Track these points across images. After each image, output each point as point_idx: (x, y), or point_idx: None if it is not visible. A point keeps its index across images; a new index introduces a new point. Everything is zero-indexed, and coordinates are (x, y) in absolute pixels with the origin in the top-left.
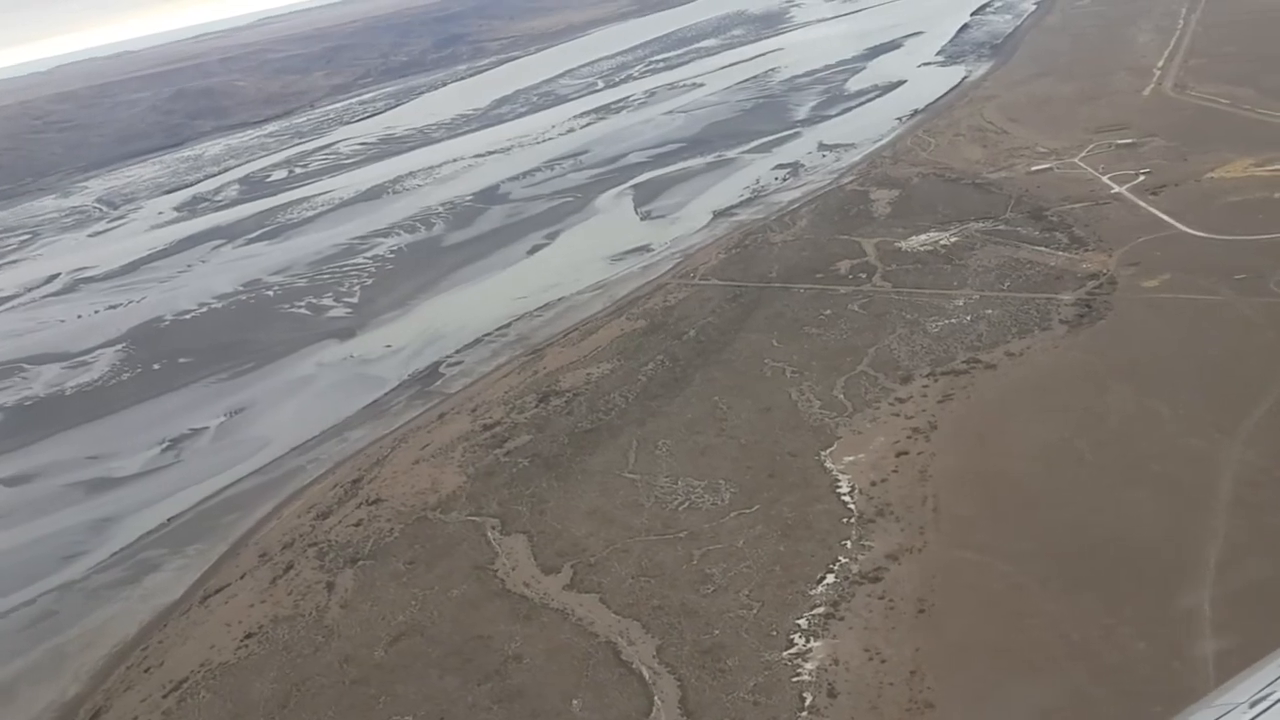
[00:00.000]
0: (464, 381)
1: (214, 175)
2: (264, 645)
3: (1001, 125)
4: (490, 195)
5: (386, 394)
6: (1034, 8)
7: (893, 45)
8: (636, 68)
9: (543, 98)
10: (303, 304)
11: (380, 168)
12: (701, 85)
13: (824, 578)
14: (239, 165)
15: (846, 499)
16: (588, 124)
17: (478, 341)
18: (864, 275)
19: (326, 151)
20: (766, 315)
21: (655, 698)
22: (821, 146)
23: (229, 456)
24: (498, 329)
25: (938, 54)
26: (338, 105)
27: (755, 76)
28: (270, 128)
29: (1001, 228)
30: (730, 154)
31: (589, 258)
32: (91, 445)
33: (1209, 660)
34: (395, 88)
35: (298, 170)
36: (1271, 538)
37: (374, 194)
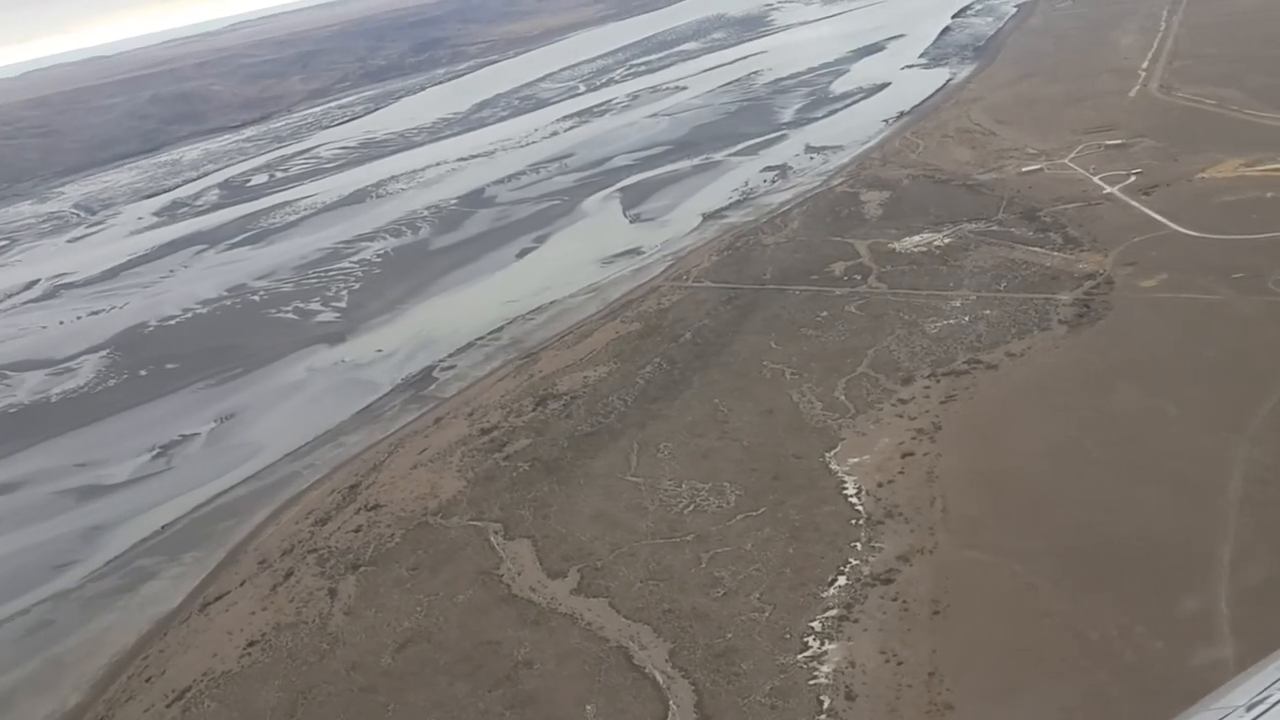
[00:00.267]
0: (459, 385)
1: (193, 180)
2: (268, 653)
3: (989, 127)
4: (476, 199)
5: (380, 399)
6: (1015, 10)
7: (875, 48)
8: (618, 71)
9: (524, 101)
10: (290, 309)
11: (362, 172)
12: (685, 88)
13: (835, 580)
14: (218, 170)
15: (854, 500)
16: (571, 127)
17: (470, 345)
18: (859, 277)
19: (306, 156)
20: (763, 317)
21: (670, 702)
22: (809, 149)
23: (221, 463)
24: (490, 333)
25: (921, 56)
26: (315, 110)
27: (738, 79)
28: (248, 132)
29: (995, 228)
30: (717, 156)
31: (579, 261)
32: (79, 452)
33: (1229, 659)
34: (373, 92)
35: (278, 175)
36: None
37: (357, 198)
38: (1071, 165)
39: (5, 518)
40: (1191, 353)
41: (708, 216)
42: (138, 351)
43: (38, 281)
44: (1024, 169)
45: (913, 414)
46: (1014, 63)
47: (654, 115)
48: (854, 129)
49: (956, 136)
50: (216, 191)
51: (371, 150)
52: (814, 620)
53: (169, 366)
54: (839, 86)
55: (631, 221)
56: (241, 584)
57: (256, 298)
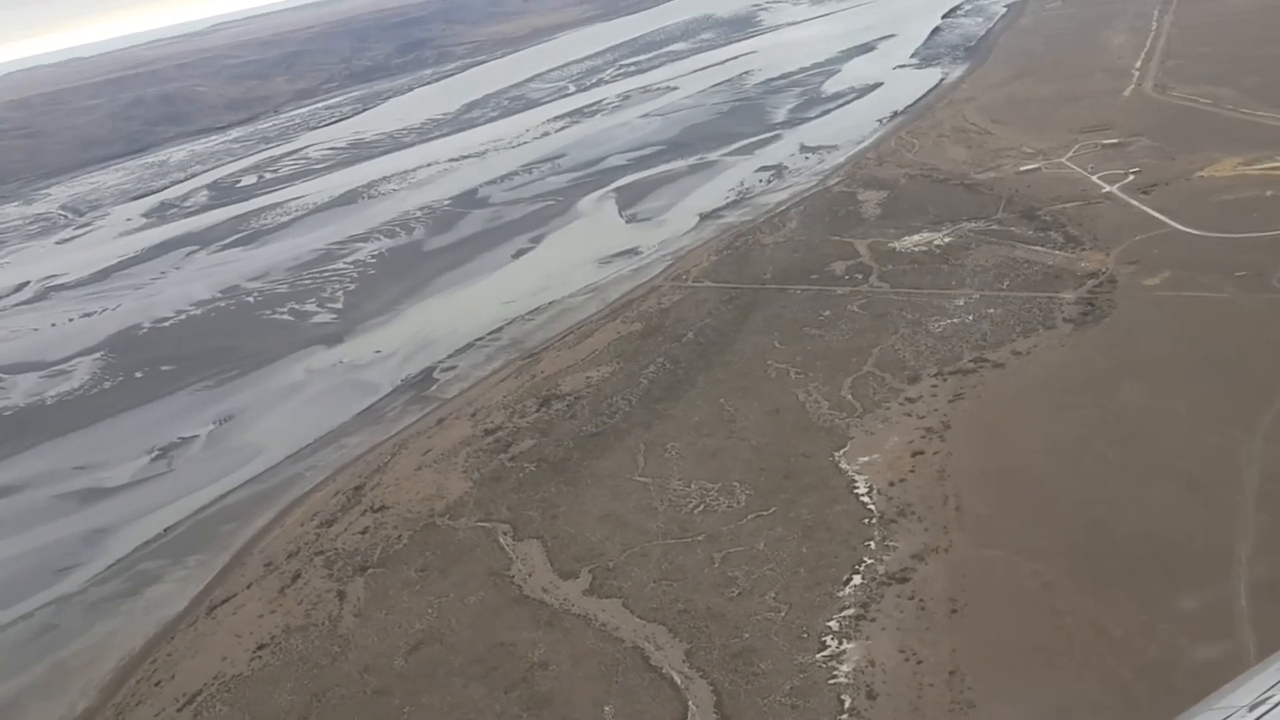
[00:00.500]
0: (460, 386)
1: (181, 181)
2: (278, 656)
3: (984, 126)
4: (469, 199)
5: (381, 400)
6: (1004, 11)
7: (866, 48)
8: (607, 71)
9: (514, 102)
10: (285, 310)
11: (352, 172)
12: (675, 89)
13: (851, 579)
14: (206, 171)
15: (865, 499)
16: (562, 128)
17: (470, 346)
18: (860, 276)
19: (295, 157)
20: (765, 317)
21: (689, 703)
22: (803, 148)
23: (222, 465)
24: (490, 333)
25: (912, 56)
26: (303, 110)
27: (729, 79)
28: (234, 133)
29: (995, 227)
30: (711, 156)
31: (576, 261)
32: (78, 455)
33: (1250, 655)
34: (360, 92)
35: (267, 175)
36: None
37: (349, 199)
38: (1069, 164)
39: (5, 521)
40: (1197, 351)
41: (705, 216)
42: (132, 353)
43: (28, 283)
44: (1021, 168)
45: (921, 413)
46: (1006, 62)
47: (646, 115)
48: (848, 129)
49: (952, 136)
50: (205, 193)
51: (361, 151)
52: (831, 619)
53: (165, 368)
54: (831, 86)
55: (628, 222)
56: (248, 586)
57: (251, 299)
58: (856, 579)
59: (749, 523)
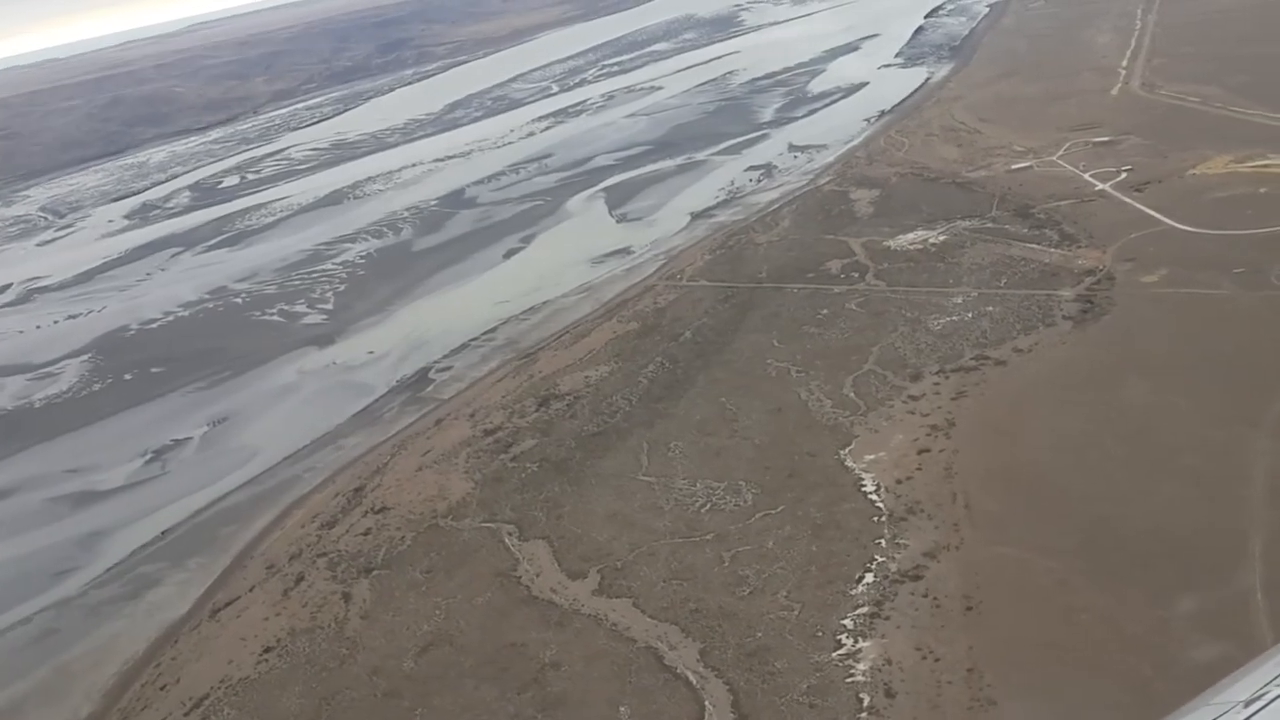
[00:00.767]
0: (457, 387)
1: (162, 182)
2: (285, 659)
3: (973, 125)
4: (457, 199)
5: (376, 401)
6: (987, 10)
7: (849, 48)
8: (590, 71)
9: (497, 102)
10: (274, 311)
11: (336, 173)
12: (660, 88)
13: (863, 577)
14: (187, 172)
15: (873, 497)
16: (548, 128)
17: (465, 346)
18: (856, 274)
19: (278, 157)
20: (762, 315)
21: (706, 702)
22: (792, 148)
23: (217, 467)
24: (484, 333)
25: (896, 56)
26: (283, 111)
27: (714, 79)
28: (214, 134)
29: (989, 225)
30: (699, 156)
31: (568, 261)
32: (69, 458)
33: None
34: (341, 93)
35: (250, 176)
36: None
37: (334, 199)
38: (1060, 163)
39: None
40: (1199, 348)
41: (696, 216)
42: (120, 355)
43: (10, 285)
44: (1013, 166)
45: (925, 410)
46: (992, 62)
47: (631, 115)
48: (836, 128)
49: (941, 135)
50: (188, 194)
51: (344, 152)
52: (845, 618)
53: (154, 370)
54: (817, 86)
55: (618, 221)
56: (251, 589)
57: (239, 300)
58: (869, 577)
59: (757, 521)
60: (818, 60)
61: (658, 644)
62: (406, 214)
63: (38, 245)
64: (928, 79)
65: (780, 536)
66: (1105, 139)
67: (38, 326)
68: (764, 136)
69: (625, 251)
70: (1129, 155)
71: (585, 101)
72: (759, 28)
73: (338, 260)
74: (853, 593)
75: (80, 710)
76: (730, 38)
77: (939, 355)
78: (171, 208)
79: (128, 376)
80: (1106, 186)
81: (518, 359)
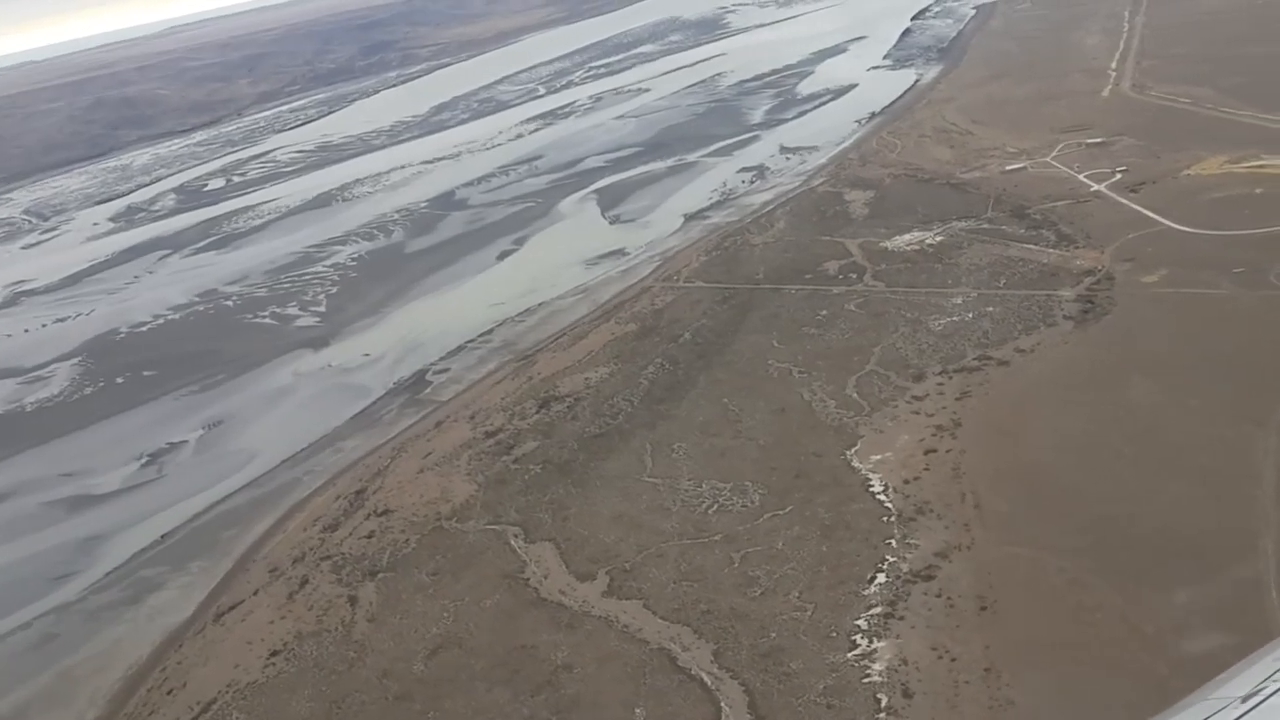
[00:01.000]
0: (455, 389)
1: (146, 185)
2: (292, 663)
3: (965, 126)
4: (447, 201)
5: (374, 403)
6: (973, 13)
7: (837, 50)
8: (576, 73)
9: (484, 104)
10: (266, 313)
11: (323, 175)
12: (648, 90)
13: (875, 577)
14: (171, 174)
15: (882, 498)
16: (536, 130)
17: (461, 348)
18: (854, 275)
19: (263, 160)
20: (761, 316)
21: (721, 703)
22: (783, 149)
23: (215, 470)
24: (480, 335)
25: (884, 58)
26: (267, 113)
27: (702, 81)
28: (198, 136)
29: (986, 226)
30: (690, 158)
31: (562, 262)
32: (64, 462)
33: None
34: (325, 95)
35: (235, 179)
36: None
37: (322, 202)
38: (1054, 164)
39: None
40: (1202, 347)
41: (689, 217)
42: (111, 358)
43: None
44: (1007, 168)
45: (929, 410)
46: (981, 63)
47: (620, 117)
48: (827, 129)
49: (934, 136)
50: (173, 196)
51: (330, 154)
52: (859, 618)
53: (146, 373)
54: (806, 88)
55: (611, 223)
56: (255, 593)
57: (230, 303)
58: (881, 577)
59: (765, 522)
60: (806, 62)
61: (670, 645)
62: (396, 216)
63: (22, 248)
64: (917, 80)
65: (789, 537)
66: (1098, 140)
67: (26, 330)
68: (755, 138)
69: (620, 253)
70: (1123, 156)
71: (573, 103)
72: (745, 30)
73: (328, 263)
74: (865, 593)
75: (85, 716)
76: (716, 40)
77: (941, 356)
78: (157, 210)
79: (119, 380)
80: (1102, 187)
81: (516, 361)
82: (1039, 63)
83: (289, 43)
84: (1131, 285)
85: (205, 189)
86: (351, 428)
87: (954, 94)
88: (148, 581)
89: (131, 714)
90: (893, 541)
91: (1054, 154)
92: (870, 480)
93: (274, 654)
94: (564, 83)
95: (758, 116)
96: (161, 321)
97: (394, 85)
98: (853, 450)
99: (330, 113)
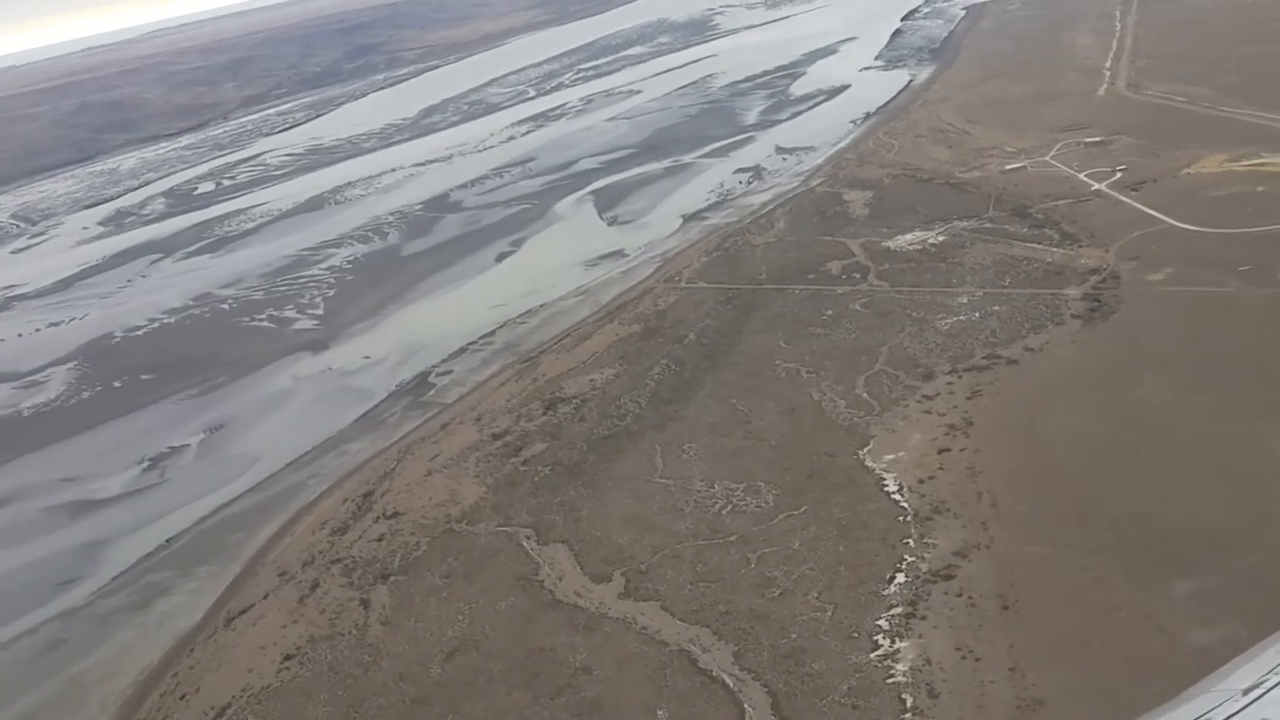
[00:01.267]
0: (459, 391)
1: (135, 189)
2: (307, 667)
3: (962, 126)
4: (441, 204)
5: (377, 406)
6: (963, 13)
7: (828, 51)
8: (566, 75)
9: (473, 106)
10: (264, 316)
11: (314, 178)
12: (639, 92)
13: (894, 577)
14: (160, 178)
15: (897, 497)
16: (528, 131)
17: (463, 350)
18: (858, 275)
19: (252, 163)
20: (766, 316)
21: (745, 705)
22: (779, 150)
23: (219, 474)
24: (482, 337)
25: (876, 59)
26: (254, 116)
27: (694, 82)
28: (185, 140)
29: (988, 226)
30: (686, 159)
31: (561, 264)
32: (63, 467)
33: None
34: (313, 98)
35: (225, 182)
36: None
37: (315, 204)
38: (1054, 163)
39: None
40: (1211, 345)
41: (688, 218)
42: (108, 363)
43: None
44: (1006, 167)
45: (941, 410)
46: (975, 63)
47: (612, 119)
48: (822, 130)
49: (930, 136)
50: (162, 200)
51: (321, 157)
52: (880, 619)
53: (144, 377)
54: (798, 89)
55: (609, 224)
56: (265, 597)
57: (225, 306)
58: (900, 577)
59: (780, 522)
60: (797, 63)
61: (690, 647)
62: (391, 219)
63: (11, 253)
64: (911, 81)
65: (806, 537)
66: (1097, 139)
67: (19, 335)
68: (750, 139)
69: (619, 254)
70: (1122, 155)
71: (564, 105)
72: (734, 31)
73: (324, 265)
74: (885, 593)
75: None
76: (706, 41)
77: (950, 355)
78: (147, 214)
79: (117, 384)
80: (1102, 186)
81: (519, 362)
82: (1033, 63)
83: (273, 46)
84: (1138, 284)
85: (195, 192)
86: (356, 430)
87: (949, 94)
88: (155, 586)
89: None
90: (910, 541)
91: (1053, 153)
92: (884, 480)
93: (288, 658)
94: (554, 85)
95: (752, 117)
96: (157, 325)
97: (381, 88)
98: (865, 450)
99: (318, 116)
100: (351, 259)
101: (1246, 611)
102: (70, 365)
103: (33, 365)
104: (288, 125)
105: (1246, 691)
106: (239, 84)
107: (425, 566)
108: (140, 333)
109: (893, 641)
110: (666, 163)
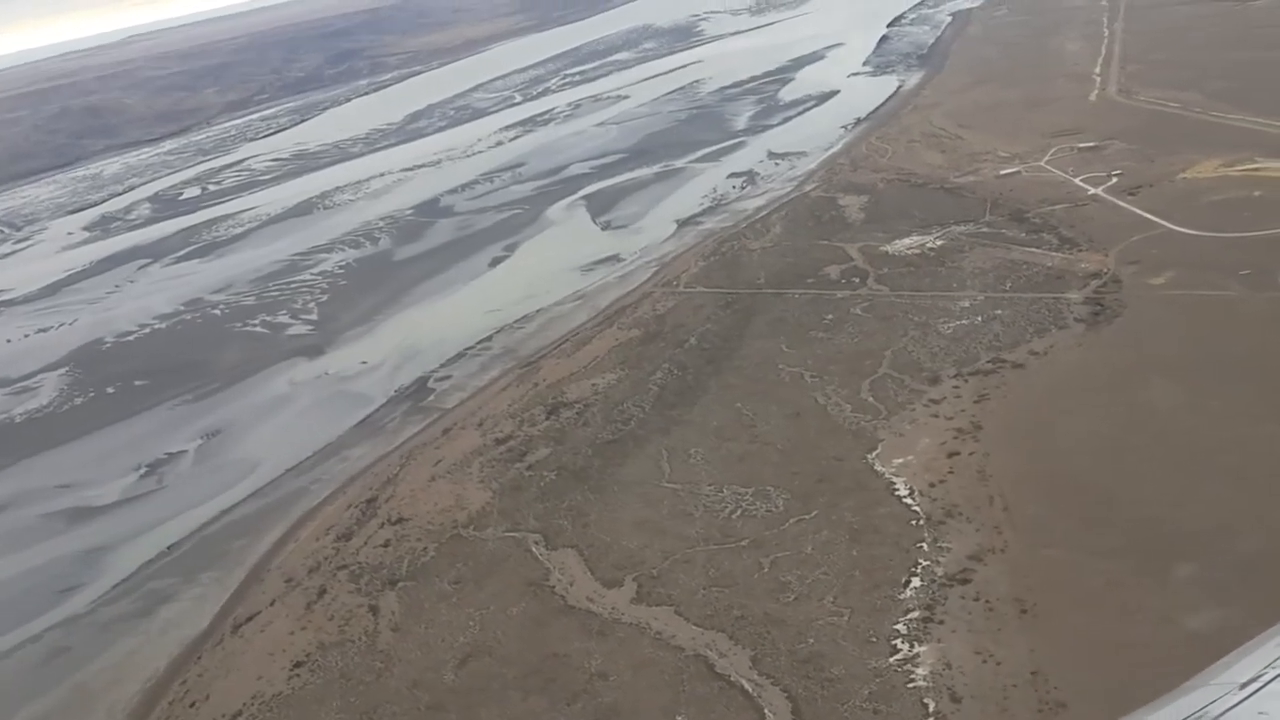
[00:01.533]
0: (460, 396)
1: (119, 194)
2: (318, 674)
3: (954, 131)
4: (432, 209)
5: (377, 411)
6: (950, 19)
7: (815, 57)
8: (552, 81)
9: (460, 111)
10: (256, 322)
11: (302, 183)
12: (627, 97)
13: (909, 581)
14: (144, 183)
15: (908, 501)
16: (516, 137)
17: (461, 355)
18: (857, 279)
19: (238, 168)
20: (767, 321)
21: (765, 710)
22: (771, 155)
23: (218, 480)
24: (479, 342)
25: (864, 64)
26: (237, 122)
27: (682, 88)
28: (168, 145)
29: (985, 230)
30: (677, 164)
31: (556, 269)
32: (59, 473)
33: None
34: (296, 104)
35: (211, 187)
36: None
37: (303, 210)
38: (1048, 167)
39: None
40: (1216, 349)
41: (682, 223)
42: (100, 368)
43: None
44: (1001, 172)
45: (948, 414)
46: (964, 70)
47: (601, 124)
48: (814, 135)
49: (923, 141)
50: (148, 205)
51: (307, 162)
52: (897, 623)
53: (138, 383)
54: (787, 94)
55: (603, 229)
56: (272, 603)
57: (217, 312)
58: (915, 581)
59: (792, 527)
60: (785, 69)
61: (707, 652)
62: (381, 223)
63: None
64: (900, 86)
65: (818, 541)
66: (1090, 144)
67: (8, 340)
68: (741, 144)
69: (614, 259)
70: (1116, 160)
71: (552, 110)
72: (720, 37)
73: (315, 270)
74: (901, 597)
75: None
76: (692, 47)
77: (954, 359)
78: (133, 219)
79: (110, 390)
80: (1099, 191)
81: (519, 367)
82: (1022, 68)
83: (253, 52)
84: (1139, 287)
85: (181, 198)
86: (356, 436)
87: (939, 99)
88: (158, 593)
89: None
90: (924, 545)
91: (1047, 158)
92: (894, 484)
93: (298, 665)
94: (540, 90)
95: (742, 123)
96: (148, 331)
97: (365, 93)
98: (874, 454)
99: (302, 121)
100: (343, 264)
101: (1268, 612)
102: (62, 371)
103: (24, 371)
104: (272, 130)
105: (1243, 685)
106: (220, 89)
107: (434, 572)
108: (131, 338)
109: (911, 646)
110: (658, 168)
